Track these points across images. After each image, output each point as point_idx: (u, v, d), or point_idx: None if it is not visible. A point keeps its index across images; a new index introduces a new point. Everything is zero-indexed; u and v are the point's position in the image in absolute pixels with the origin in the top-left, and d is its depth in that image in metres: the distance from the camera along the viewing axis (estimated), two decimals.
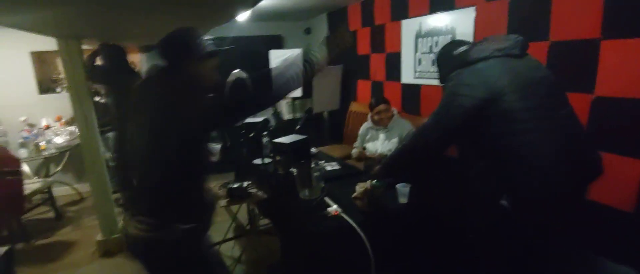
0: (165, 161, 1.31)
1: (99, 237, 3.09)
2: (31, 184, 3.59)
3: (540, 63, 1.60)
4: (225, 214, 3.05)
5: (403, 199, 1.95)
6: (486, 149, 1.57)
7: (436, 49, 3.18)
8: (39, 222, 3.84)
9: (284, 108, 5.17)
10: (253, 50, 5.17)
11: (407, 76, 3.57)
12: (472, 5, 2.79)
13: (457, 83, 1.53)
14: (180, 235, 1.32)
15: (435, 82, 3.23)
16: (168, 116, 1.30)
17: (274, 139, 2.75)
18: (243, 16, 3.64)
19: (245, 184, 2.57)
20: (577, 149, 1.48)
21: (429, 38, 3.24)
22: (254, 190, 2.54)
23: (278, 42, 5.43)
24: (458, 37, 2.94)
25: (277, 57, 4.77)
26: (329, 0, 4.17)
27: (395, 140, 2.71)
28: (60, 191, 4.39)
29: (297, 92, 4.65)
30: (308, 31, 5.56)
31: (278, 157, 2.37)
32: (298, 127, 2.67)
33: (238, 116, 1.43)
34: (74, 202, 4.34)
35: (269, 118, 3.29)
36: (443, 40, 3.09)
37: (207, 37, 1.44)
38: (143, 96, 1.41)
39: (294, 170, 2.15)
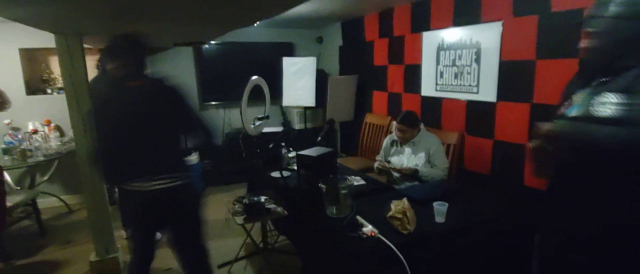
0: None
1: (93, 257, 2.71)
2: (14, 196, 3.19)
3: None
4: (236, 230, 2.79)
5: (440, 219, 1.83)
6: None
7: (459, 62, 3.10)
8: (21, 238, 3.40)
9: (295, 117, 5.06)
10: (264, 57, 5.08)
11: (428, 89, 3.48)
12: (499, 20, 2.71)
13: None
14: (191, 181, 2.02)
15: (458, 95, 3.13)
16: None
17: (293, 150, 2.64)
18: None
19: (263, 199, 2.42)
20: None
21: (452, 51, 3.16)
22: (272, 206, 2.40)
23: (289, 50, 5.34)
24: (484, 51, 2.85)
25: (290, 65, 4.67)
26: (345, 10, 4.10)
27: (422, 155, 2.60)
28: (45, 203, 3.96)
29: (310, 101, 4.54)
30: (320, 40, 5.48)
31: (302, 171, 2.24)
32: (319, 138, 2.55)
33: None
34: (60, 216, 3.91)
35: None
36: (467, 54, 3.01)
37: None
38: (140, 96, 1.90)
39: (320, 185, 2.02)
